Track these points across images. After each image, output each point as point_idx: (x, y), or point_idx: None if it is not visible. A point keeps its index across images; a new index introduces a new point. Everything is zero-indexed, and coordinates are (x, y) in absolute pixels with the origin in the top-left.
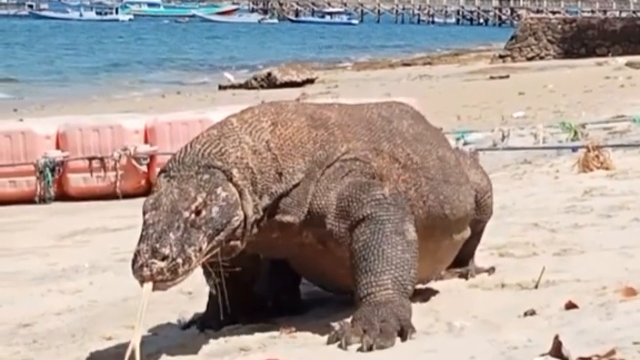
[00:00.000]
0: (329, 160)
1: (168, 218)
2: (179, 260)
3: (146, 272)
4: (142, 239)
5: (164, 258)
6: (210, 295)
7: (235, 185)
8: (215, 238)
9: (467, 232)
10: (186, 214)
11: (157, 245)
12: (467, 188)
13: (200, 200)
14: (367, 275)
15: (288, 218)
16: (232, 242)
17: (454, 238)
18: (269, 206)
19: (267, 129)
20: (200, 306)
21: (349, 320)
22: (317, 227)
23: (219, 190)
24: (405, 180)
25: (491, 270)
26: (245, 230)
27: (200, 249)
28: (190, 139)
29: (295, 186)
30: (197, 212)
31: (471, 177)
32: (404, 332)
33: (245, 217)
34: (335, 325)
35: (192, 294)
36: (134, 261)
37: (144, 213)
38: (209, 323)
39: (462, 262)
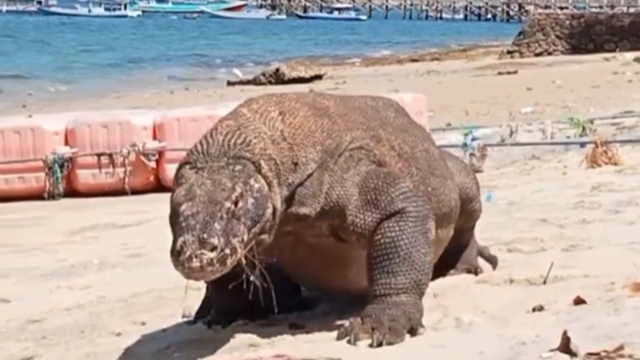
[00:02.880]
0: (338, 149)
1: (208, 209)
2: (227, 251)
3: (196, 263)
4: (184, 230)
5: (213, 248)
6: (216, 290)
7: (264, 177)
8: (252, 230)
9: (451, 232)
10: (227, 204)
11: (205, 236)
12: (451, 183)
13: (239, 190)
14: (388, 276)
15: (304, 210)
16: (261, 236)
17: (439, 234)
18: (287, 198)
19: (278, 119)
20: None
21: (358, 317)
22: (334, 219)
23: (252, 181)
24: (401, 169)
25: (494, 258)
26: (273, 222)
27: (243, 240)
28: (201, 134)
29: (309, 176)
30: (235, 203)
31: (460, 182)
32: (414, 330)
33: (274, 209)
34: (345, 321)
35: (201, 289)
36: (180, 252)
37: (179, 205)
38: (217, 319)
39: (456, 258)
